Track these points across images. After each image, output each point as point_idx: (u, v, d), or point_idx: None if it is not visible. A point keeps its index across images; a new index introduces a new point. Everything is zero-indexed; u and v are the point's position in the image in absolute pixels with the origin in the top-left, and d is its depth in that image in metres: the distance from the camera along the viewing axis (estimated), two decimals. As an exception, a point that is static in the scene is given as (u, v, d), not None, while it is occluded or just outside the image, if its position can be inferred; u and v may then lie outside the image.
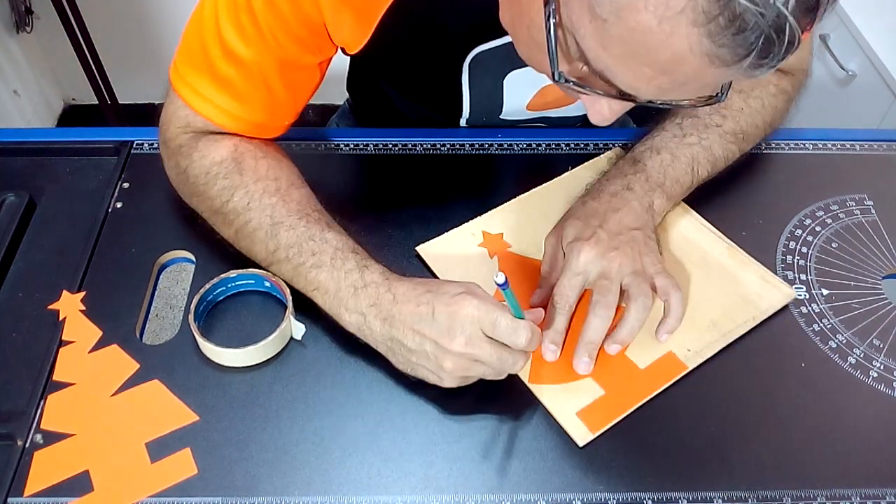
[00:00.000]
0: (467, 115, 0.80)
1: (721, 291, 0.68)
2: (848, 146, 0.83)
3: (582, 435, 0.58)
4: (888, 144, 0.83)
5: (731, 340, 0.64)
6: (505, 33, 0.58)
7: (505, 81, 0.74)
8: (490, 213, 0.74)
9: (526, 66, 0.69)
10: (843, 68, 1.46)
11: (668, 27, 0.41)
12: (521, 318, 0.56)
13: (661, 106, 0.50)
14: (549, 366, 0.62)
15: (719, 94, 0.50)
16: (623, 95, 0.48)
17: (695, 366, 0.63)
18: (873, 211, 0.76)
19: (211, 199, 0.65)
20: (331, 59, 0.69)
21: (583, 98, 0.53)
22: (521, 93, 0.76)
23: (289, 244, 0.62)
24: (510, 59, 0.71)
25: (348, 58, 0.95)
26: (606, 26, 0.43)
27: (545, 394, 0.61)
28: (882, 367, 0.64)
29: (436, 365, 0.56)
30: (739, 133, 0.73)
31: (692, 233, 0.72)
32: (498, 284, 0.52)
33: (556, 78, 0.49)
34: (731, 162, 0.74)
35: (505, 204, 0.74)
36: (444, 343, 0.55)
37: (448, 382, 0.57)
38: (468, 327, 0.55)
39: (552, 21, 0.47)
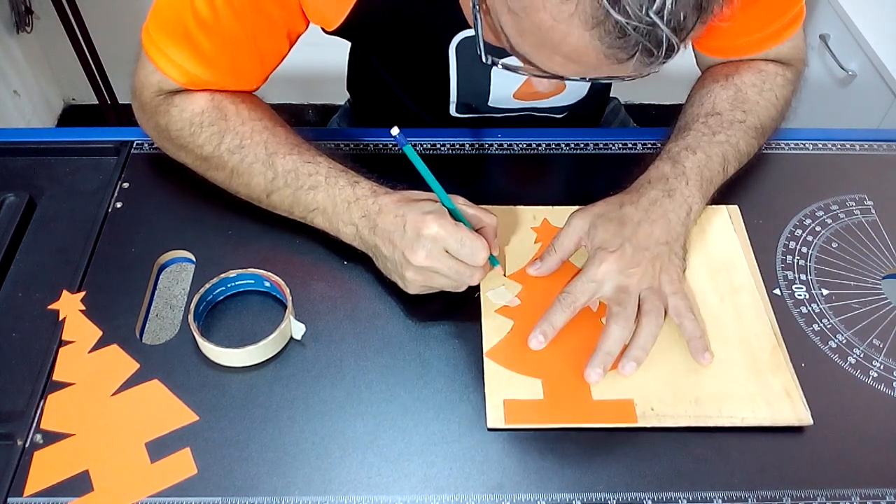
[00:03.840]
0: (455, 100, 0.80)
1: (731, 378, 0.62)
2: (848, 146, 0.83)
3: (495, 419, 0.58)
4: (888, 144, 0.83)
5: (700, 425, 0.59)
6: None
7: (493, 70, 0.75)
8: (562, 207, 0.73)
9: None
10: (843, 68, 1.46)
11: (564, 27, 0.46)
12: (464, 224, 0.61)
13: (599, 81, 0.56)
14: (511, 352, 0.62)
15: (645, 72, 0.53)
16: (549, 76, 0.53)
17: (647, 426, 0.59)
18: (873, 211, 0.76)
19: (200, 147, 0.68)
20: (301, 33, 0.71)
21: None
22: (508, 81, 0.77)
23: (286, 170, 0.66)
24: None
25: (348, 58, 0.96)
26: (519, 20, 0.48)
27: (490, 371, 0.61)
28: (882, 367, 0.64)
29: (400, 273, 0.62)
30: (760, 127, 0.74)
31: (751, 314, 0.66)
32: (394, 137, 0.57)
33: (484, 59, 0.54)
34: (751, 157, 0.75)
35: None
36: (408, 255, 0.60)
37: (411, 290, 0.63)
38: (429, 244, 0.59)
39: (477, 8, 0.52)
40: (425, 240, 0.59)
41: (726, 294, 0.68)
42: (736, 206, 0.74)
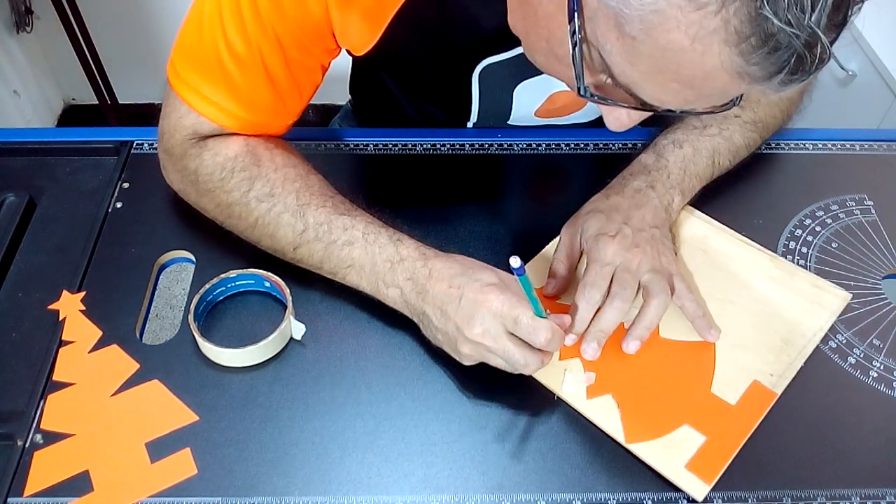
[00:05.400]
0: (475, 120, 0.80)
1: (780, 307, 0.66)
2: (848, 146, 0.83)
3: (698, 489, 0.55)
4: (888, 144, 0.83)
5: (808, 355, 0.63)
6: (515, 45, 0.57)
7: (515, 92, 0.74)
8: None
9: (537, 76, 0.67)
10: (843, 68, 1.46)
11: (700, 46, 0.41)
12: (542, 316, 0.56)
13: (679, 114, 0.50)
14: (644, 422, 0.59)
15: (735, 100, 0.50)
16: (645, 106, 0.49)
17: (782, 390, 0.61)
18: (873, 211, 0.76)
19: (228, 193, 0.65)
20: (332, 59, 0.69)
21: (602, 107, 0.53)
22: (530, 101, 0.76)
23: (318, 223, 0.62)
24: (521, 71, 0.70)
25: (351, 59, 0.95)
26: (635, 44, 0.44)
27: (647, 451, 0.57)
28: (882, 367, 0.64)
29: (453, 346, 0.58)
30: (759, 122, 0.74)
31: (733, 249, 0.71)
32: (513, 269, 0.52)
33: (581, 92, 0.50)
34: (753, 150, 0.76)
35: None
36: (463, 329, 0.56)
37: (465, 362, 0.59)
38: (489, 320, 0.56)
39: (577, 37, 0.47)
40: (484, 315, 0.56)
41: (710, 246, 0.71)
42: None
